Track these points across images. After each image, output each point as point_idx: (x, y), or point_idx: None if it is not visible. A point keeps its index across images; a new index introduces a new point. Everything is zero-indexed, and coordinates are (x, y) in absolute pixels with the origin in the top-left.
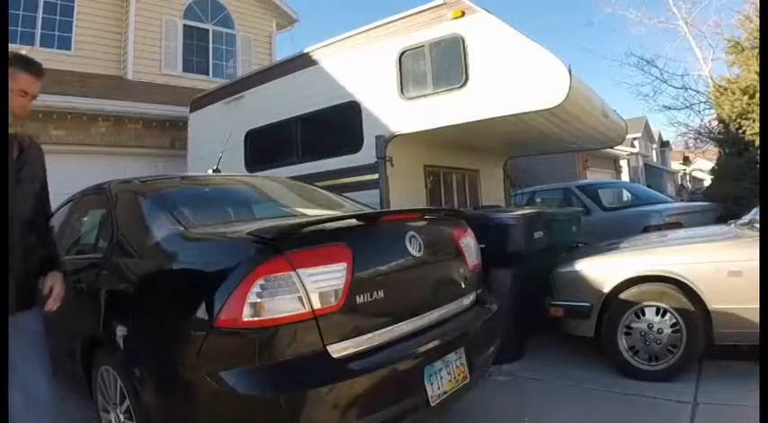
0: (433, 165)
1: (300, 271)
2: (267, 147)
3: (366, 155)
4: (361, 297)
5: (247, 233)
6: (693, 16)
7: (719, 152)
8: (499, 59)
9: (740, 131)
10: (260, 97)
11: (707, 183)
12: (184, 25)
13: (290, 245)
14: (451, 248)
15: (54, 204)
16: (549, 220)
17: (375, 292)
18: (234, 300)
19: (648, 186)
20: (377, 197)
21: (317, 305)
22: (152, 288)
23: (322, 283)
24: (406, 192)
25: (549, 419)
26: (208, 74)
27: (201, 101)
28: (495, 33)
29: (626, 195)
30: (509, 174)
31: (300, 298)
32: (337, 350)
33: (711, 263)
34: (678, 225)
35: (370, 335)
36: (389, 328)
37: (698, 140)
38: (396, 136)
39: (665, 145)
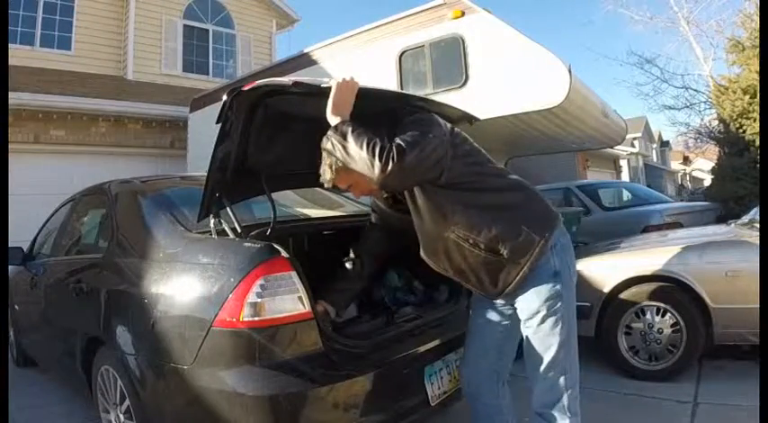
0: None
1: (301, 271)
2: None
3: None
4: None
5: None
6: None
7: (720, 152)
8: (499, 59)
9: (741, 131)
10: None
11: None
12: (184, 25)
13: None
14: None
15: (54, 204)
16: None
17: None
18: (234, 300)
19: (648, 186)
20: None
21: None
22: (152, 288)
23: None
24: None
25: None
26: (208, 74)
27: (201, 101)
28: (495, 33)
29: (626, 195)
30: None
31: (300, 298)
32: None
33: (711, 263)
34: (678, 225)
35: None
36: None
37: (698, 140)
38: None
39: (665, 145)
